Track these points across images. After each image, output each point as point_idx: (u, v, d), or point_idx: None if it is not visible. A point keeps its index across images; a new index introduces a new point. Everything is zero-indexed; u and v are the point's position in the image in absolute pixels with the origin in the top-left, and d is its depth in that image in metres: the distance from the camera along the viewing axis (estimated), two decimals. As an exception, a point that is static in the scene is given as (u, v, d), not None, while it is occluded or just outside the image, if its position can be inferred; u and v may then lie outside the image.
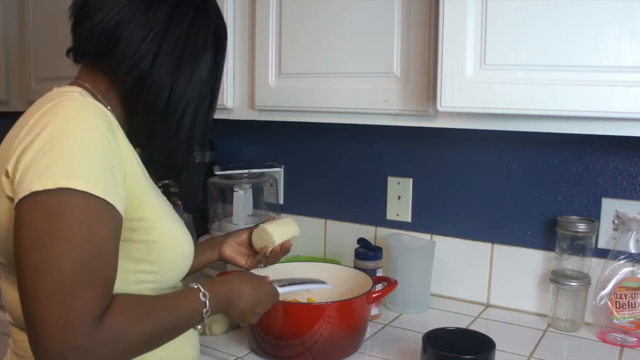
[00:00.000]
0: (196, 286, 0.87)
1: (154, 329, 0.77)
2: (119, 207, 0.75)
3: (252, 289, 0.97)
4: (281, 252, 1.18)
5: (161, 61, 0.87)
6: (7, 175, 0.75)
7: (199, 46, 0.91)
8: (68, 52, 0.92)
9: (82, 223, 0.70)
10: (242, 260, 1.18)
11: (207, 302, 0.85)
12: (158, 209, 0.87)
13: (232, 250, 1.18)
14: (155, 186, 0.90)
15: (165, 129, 0.91)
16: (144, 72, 0.86)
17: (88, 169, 0.72)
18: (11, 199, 0.76)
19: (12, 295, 0.85)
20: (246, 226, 1.26)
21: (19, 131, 0.77)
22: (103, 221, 0.73)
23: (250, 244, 1.20)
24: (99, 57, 0.87)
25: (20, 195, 0.71)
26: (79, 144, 0.73)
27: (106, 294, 0.72)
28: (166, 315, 0.80)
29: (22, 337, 0.86)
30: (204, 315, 0.85)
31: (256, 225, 1.20)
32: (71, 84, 0.89)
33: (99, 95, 0.87)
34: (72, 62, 0.93)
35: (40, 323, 0.67)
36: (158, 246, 0.86)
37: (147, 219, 0.84)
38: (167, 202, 0.93)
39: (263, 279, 1.04)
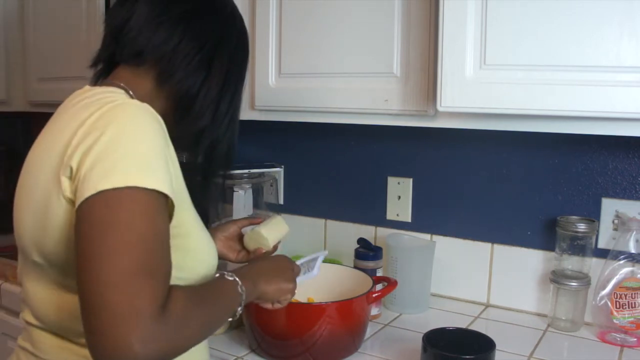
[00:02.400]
0: (233, 278, 0.88)
1: (209, 314, 0.79)
2: (174, 201, 0.77)
3: (270, 263, 1.02)
4: (272, 251, 1.19)
5: (211, 78, 0.92)
6: (69, 175, 0.75)
7: (242, 62, 0.99)
8: (100, 54, 0.94)
9: (145, 214, 0.71)
10: (232, 255, 1.18)
11: (236, 278, 0.87)
12: (194, 218, 0.89)
13: (222, 245, 1.17)
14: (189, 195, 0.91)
15: (207, 138, 0.95)
16: (192, 93, 0.91)
17: (153, 167, 0.74)
18: (69, 200, 0.76)
19: (42, 296, 0.85)
20: (231, 219, 1.26)
21: (72, 131, 0.77)
22: (163, 214, 0.74)
23: (238, 237, 1.19)
24: (148, 66, 0.90)
25: (87, 194, 0.71)
26: (143, 144, 0.75)
27: (167, 284, 0.72)
28: (215, 298, 0.82)
29: (46, 339, 0.86)
30: (240, 291, 0.87)
31: (245, 220, 1.20)
32: (108, 84, 0.89)
33: (135, 99, 0.88)
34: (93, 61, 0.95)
35: (106, 312, 0.65)
36: (192, 255, 0.87)
37: (184, 225, 0.84)
38: (197, 213, 0.93)
39: (279, 257, 1.07)
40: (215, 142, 0.97)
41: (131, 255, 0.68)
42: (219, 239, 1.18)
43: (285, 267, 1.03)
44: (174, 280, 0.84)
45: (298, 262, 1.14)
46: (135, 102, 0.81)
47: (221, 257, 1.19)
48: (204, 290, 0.82)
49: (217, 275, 0.88)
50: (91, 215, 0.70)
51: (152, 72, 0.90)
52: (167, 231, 0.75)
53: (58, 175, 0.77)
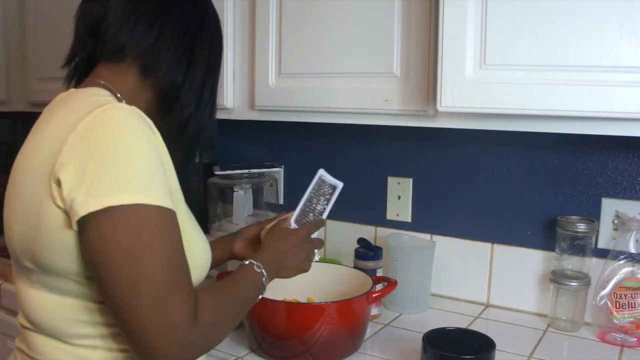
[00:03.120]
0: (247, 262, 0.96)
1: (235, 309, 0.88)
2: (175, 212, 0.79)
3: (287, 243, 1.06)
4: None
5: (195, 67, 0.93)
6: (58, 184, 0.75)
7: (220, 47, 0.99)
8: (75, 52, 0.93)
9: (161, 233, 0.75)
10: (254, 253, 1.18)
11: (263, 271, 0.95)
12: (187, 218, 0.89)
13: (244, 245, 1.18)
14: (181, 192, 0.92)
15: (193, 126, 0.97)
16: (177, 84, 0.92)
17: (154, 180, 0.77)
18: (60, 208, 0.76)
19: (35, 300, 0.85)
20: (254, 222, 1.25)
21: (61, 136, 0.77)
22: (175, 228, 0.78)
23: (259, 238, 1.19)
24: (130, 61, 0.90)
25: (91, 208, 0.72)
26: (141, 155, 0.76)
27: (193, 292, 0.78)
28: (239, 293, 0.90)
29: (41, 341, 0.86)
30: (264, 282, 0.95)
31: (267, 222, 1.19)
32: (91, 84, 0.89)
33: (118, 95, 0.88)
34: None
35: (147, 334, 0.72)
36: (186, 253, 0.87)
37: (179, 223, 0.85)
38: (191, 212, 0.94)
39: (289, 231, 1.10)
40: (200, 129, 0.97)
41: (158, 277, 0.73)
42: (242, 241, 1.19)
43: (304, 246, 1.08)
44: None
45: (303, 198, 1.15)
46: (124, 106, 0.80)
47: (244, 258, 1.19)
48: (228, 287, 0.89)
49: (247, 263, 0.95)
50: (107, 238, 0.73)
51: (134, 66, 0.90)
52: (180, 241, 0.79)
53: (49, 183, 0.76)
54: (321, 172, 1.18)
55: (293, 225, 1.13)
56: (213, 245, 1.18)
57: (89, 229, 0.74)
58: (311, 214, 1.16)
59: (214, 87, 0.99)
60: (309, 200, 1.16)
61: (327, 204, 1.17)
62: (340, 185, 1.17)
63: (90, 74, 0.91)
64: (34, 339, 0.87)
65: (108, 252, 0.73)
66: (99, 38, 0.89)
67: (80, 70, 0.94)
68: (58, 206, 0.76)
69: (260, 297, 0.95)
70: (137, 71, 0.90)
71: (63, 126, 0.78)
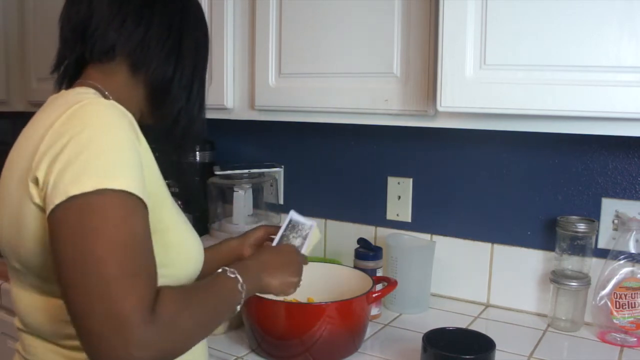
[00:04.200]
0: (220, 270, 0.88)
1: (203, 312, 0.78)
2: (148, 205, 0.76)
3: (276, 256, 1.02)
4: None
5: (184, 60, 0.93)
6: (36, 182, 0.75)
7: (205, 37, 0.98)
8: (63, 56, 0.93)
9: (120, 218, 0.71)
10: None
11: (238, 276, 0.87)
12: (174, 213, 0.88)
13: (253, 251, 1.17)
14: (169, 191, 0.91)
15: (184, 119, 0.96)
16: (167, 78, 0.91)
17: (122, 168, 0.73)
18: (38, 206, 0.75)
19: (26, 301, 0.85)
20: (259, 225, 1.25)
21: (41, 134, 0.77)
22: (139, 216, 0.73)
23: (267, 240, 1.19)
24: (119, 60, 0.89)
25: (57, 200, 0.70)
26: (111, 145, 0.74)
27: (152, 287, 0.72)
28: (209, 296, 0.81)
29: (34, 342, 0.86)
30: (239, 288, 0.87)
31: (275, 227, 1.20)
32: (80, 84, 0.89)
33: (111, 97, 0.88)
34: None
35: (94, 320, 0.66)
36: (175, 250, 0.87)
37: (164, 221, 0.84)
38: (179, 208, 0.93)
39: (278, 247, 1.09)
40: (191, 121, 0.97)
41: (111, 260, 0.68)
42: (250, 247, 1.17)
43: (292, 261, 1.05)
44: (159, 278, 0.82)
45: (280, 231, 1.15)
46: (101, 100, 0.80)
47: None
48: (198, 290, 0.81)
49: (220, 271, 0.88)
50: (64, 222, 0.70)
51: (124, 65, 0.90)
52: (145, 231, 0.74)
53: (27, 181, 0.76)
54: (292, 215, 1.19)
55: None
56: (220, 247, 1.18)
57: (51, 221, 0.71)
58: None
59: (202, 78, 0.98)
60: (285, 236, 1.17)
61: (303, 241, 1.16)
62: (313, 224, 1.18)
63: (80, 76, 0.91)
64: (28, 340, 0.88)
65: (62, 236, 0.70)
66: (87, 40, 0.88)
67: (70, 73, 0.94)
68: (36, 204, 0.75)
69: (239, 305, 0.88)
70: (127, 69, 0.90)
71: (43, 125, 0.78)
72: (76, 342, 0.82)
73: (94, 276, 0.67)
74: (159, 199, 0.83)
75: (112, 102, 0.80)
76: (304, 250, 1.14)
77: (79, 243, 0.68)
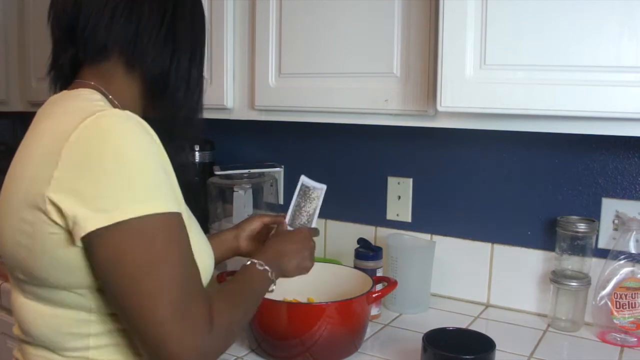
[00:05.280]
0: (249, 262, 0.96)
1: (247, 308, 0.89)
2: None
3: (289, 243, 1.07)
4: None
5: (179, 49, 0.91)
6: (55, 200, 0.73)
7: (202, 23, 0.96)
8: (57, 57, 0.91)
9: (171, 242, 0.75)
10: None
11: (266, 267, 0.96)
12: (189, 223, 0.87)
13: (249, 243, 1.19)
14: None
15: (185, 109, 0.96)
16: (164, 70, 0.90)
17: (158, 188, 0.76)
18: (56, 224, 0.74)
19: (30, 311, 0.84)
20: (252, 216, 1.25)
21: (56, 147, 0.74)
22: (182, 232, 0.78)
23: (264, 233, 1.20)
24: (114, 57, 0.87)
25: (99, 224, 0.71)
26: (142, 165, 0.75)
27: (207, 297, 0.78)
28: (249, 293, 0.91)
29: (35, 352, 0.85)
30: (270, 277, 0.96)
31: (269, 216, 1.21)
32: (83, 86, 0.87)
33: (110, 96, 0.87)
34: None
35: (168, 345, 0.72)
36: None
37: None
38: (192, 214, 0.93)
39: (290, 232, 1.13)
40: (192, 111, 0.96)
41: (175, 286, 0.74)
42: (247, 240, 1.19)
43: (306, 246, 1.09)
44: None
45: (291, 203, 1.18)
46: (116, 112, 0.78)
47: (248, 255, 1.19)
48: (241, 289, 0.90)
49: (249, 263, 0.96)
50: (119, 252, 0.72)
51: (119, 62, 0.87)
52: (189, 244, 0.79)
53: (43, 198, 0.74)
54: (303, 179, 1.21)
55: (288, 228, 1.16)
56: (214, 242, 1.18)
57: (99, 245, 0.73)
58: (303, 216, 1.18)
59: (200, 65, 0.96)
60: (297, 204, 1.18)
61: (316, 206, 1.19)
62: (323, 188, 1.21)
63: (77, 76, 0.89)
64: (28, 349, 0.87)
65: (124, 267, 0.72)
66: (78, 40, 0.86)
67: (66, 74, 0.91)
68: (55, 223, 0.74)
69: (271, 288, 0.98)
70: (122, 65, 0.88)
71: (56, 135, 0.76)
72: (78, 353, 0.82)
73: (163, 306, 0.72)
74: (180, 205, 0.82)
75: (127, 113, 0.78)
76: (316, 216, 1.19)
77: (143, 275, 0.72)
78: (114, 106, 0.86)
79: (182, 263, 0.76)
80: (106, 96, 0.86)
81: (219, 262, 1.18)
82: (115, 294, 0.75)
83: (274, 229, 1.19)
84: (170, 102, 0.92)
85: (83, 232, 0.72)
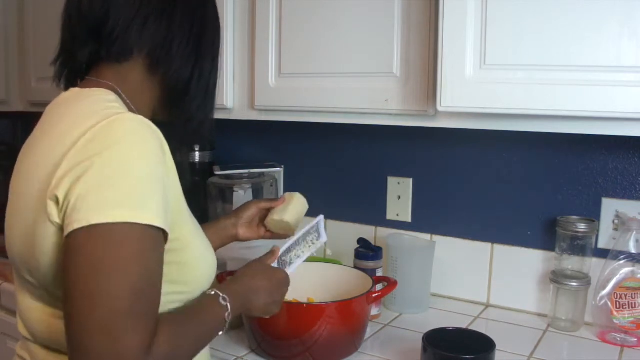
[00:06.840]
0: (214, 292, 0.87)
1: (193, 345, 0.79)
2: (169, 232, 0.75)
3: (264, 280, 0.99)
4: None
5: (203, 59, 0.91)
6: (55, 201, 0.72)
7: (219, 35, 0.96)
8: (68, 50, 0.90)
9: (137, 254, 0.70)
10: (255, 237, 1.20)
11: (228, 305, 0.86)
12: (191, 229, 0.86)
13: (247, 230, 1.19)
14: (186, 204, 0.88)
15: (201, 116, 0.95)
16: (186, 79, 0.90)
17: (150, 200, 0.72)
18: (56, 224, 0.73)
19: (36, 313, 0.84)
20: (249, 201, 1.25)
21: (64, 150, 0.74)
22: (155, 251, 0.73)
23: (260, 218, 1.20)
24: (136, 59, 0.87)
25: (77, 225, 0.68)
26: (140, 174, 0.72)
27: (154, 324, 0.71)
28: (200, 330, 0.82)
29: (41, 352, 0.85)
30: (226, 319, 0.86)
31: (265, 201, 1.21)
32: (97, 85, 0.85)
33: (124, 96, 0.86)
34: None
35: (92, 353, 0.65)
36: (190, 268, 0.85)
37: (181, 239, 0.82)
38: (196, 220, 0.91)
39: (270, 268, 1.05)
40: (205, 119, 0.96)
41: (120, 296, 0.67)
42: (243, 226, 1.19)
43: (279, 290, 1.02)
44: (173, 296, 0.83)
45: (295, 236, 1.16)
46: (128, 116, 0.77)
47: (246, 240, 1.21)
48: (192, 322, 0.81)
49: (212, 293, 0.87)
50: (82, 249, 0.68)
51: (140, 64, 0.87)
52: (159, 267, 0.73)
53: (45, 198, 0.74)
54: (320, 221, 1.20)
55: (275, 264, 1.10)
56: (213, 229, 1.17)
57: (68, 242, 0.70)
58: (292, 254, 1.15)
59: (216, 76, 0.96)
60: (297, 241, 1.16)
61: (309, 253, 1.17)
62: (325, 239, 1.20)
63: (90, 73, 0.88)
64: (36, 349, 0.86)
65: (76, 263, 0.68)
66: (104, 39, 0.84)
67: (80, 68, 0.89)
68: (53, 223, 0.73)
69: (220, 333, 0.87)
70: (143, 69, 0.87)
71: (68, 137, 0.75)
72: None
73: (99, 312, 0.66)
74: (179, 216, 0.81)
75: (141, 119, 0.77)
76: (300, 261, 1.14)
77: (93, 274, 0.67)
78: (129, 108, 0.85)
79: (140, 279, 0.69)
80: (121, 97, 0.86)
81: (217, 249, 1.17)
82: (63, 295, 0.70)
83: (269, 213, 1.18)
84: (187, 109, 0.92)
85: (65, 234, 0.70)
